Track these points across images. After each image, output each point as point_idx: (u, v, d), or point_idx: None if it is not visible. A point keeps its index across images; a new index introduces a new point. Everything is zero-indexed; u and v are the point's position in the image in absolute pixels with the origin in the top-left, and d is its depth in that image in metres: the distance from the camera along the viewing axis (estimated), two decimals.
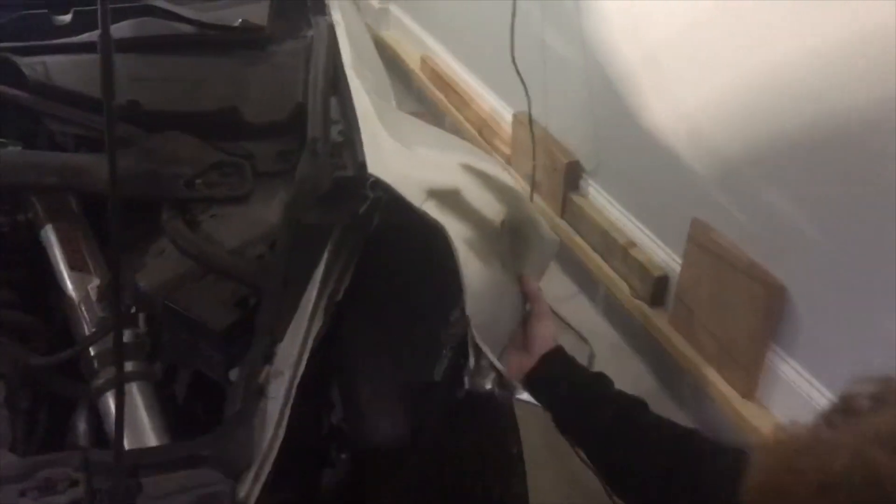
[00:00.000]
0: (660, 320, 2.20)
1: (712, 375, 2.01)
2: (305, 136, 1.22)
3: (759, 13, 1.76)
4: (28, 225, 1.17)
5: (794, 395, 1.82)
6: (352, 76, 1.38)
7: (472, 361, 1.08)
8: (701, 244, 2.02)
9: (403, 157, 1.20)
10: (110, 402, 1.04)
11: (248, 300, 1.08)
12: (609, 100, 2.35)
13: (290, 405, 1.03)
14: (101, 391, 1.04)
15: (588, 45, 2.41)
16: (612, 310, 2.43)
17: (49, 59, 1.39)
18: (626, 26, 2.25)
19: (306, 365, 1.07)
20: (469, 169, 1.24)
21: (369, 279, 1.29)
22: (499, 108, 3.08)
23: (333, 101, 1.35)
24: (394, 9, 4.15)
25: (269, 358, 1.03)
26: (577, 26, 2.43)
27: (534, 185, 2.68)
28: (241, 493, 0.90)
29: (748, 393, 1.91)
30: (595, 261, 2.45)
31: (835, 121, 1.62)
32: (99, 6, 0.72)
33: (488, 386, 1.17)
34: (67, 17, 1.54)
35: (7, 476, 0.84)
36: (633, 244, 2.33)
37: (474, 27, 3.17)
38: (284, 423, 1.02)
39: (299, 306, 1.08)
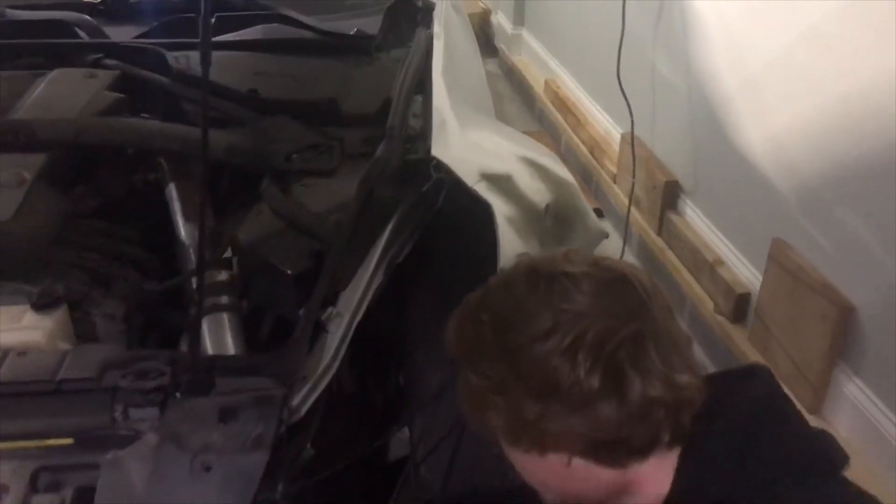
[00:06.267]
0: (739, 336, 2.25)
1: None
2: None
3: (846, 41, 1.82)
4: (156, 183, 1.43)
5: (858, 413, 1.84)
6: (438, 79, 1.57)
7: None
8: (780, 263, 2.07)
9: (466, 146, 1.38)
10: (204, 326, 1.26)
11: (322, 254, 1.29)
12: (709, 123, 2.43)
13: (347, 342, 1.22)
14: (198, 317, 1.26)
15: (693, 71, 2.50)
16: (696, 324, 2.49)
17: (191, 54, 1.67)
18: (730, 53, 2.33)
19: (371, 326, 1.26)
20: (527, 161, 1.41)
21: (433, 256, 1.48)
22: (610, 130, 3.21)
23: (419, 98, 1.55)
24: (525, 34, 4.35)
25: (331, 301, 1.23)
26: (684, 52, 2.54)
27: (631, 201, 2.78)
28: (295, 402, 1.10)
29: (815, 408, 1.94)
30: (684, 277, 2.52)
31: None
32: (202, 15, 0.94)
33: None
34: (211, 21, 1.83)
35: (114, 363, 1.07)
36: (720, 262, 2.39)
37: (592, 51, 3.31)
38: (341, 355, 1.21)
39: (363, 263, 1.28)
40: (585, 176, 3.36)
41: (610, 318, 0.79)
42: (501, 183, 1.31)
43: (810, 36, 1.94)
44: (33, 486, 0.98)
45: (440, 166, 1.29)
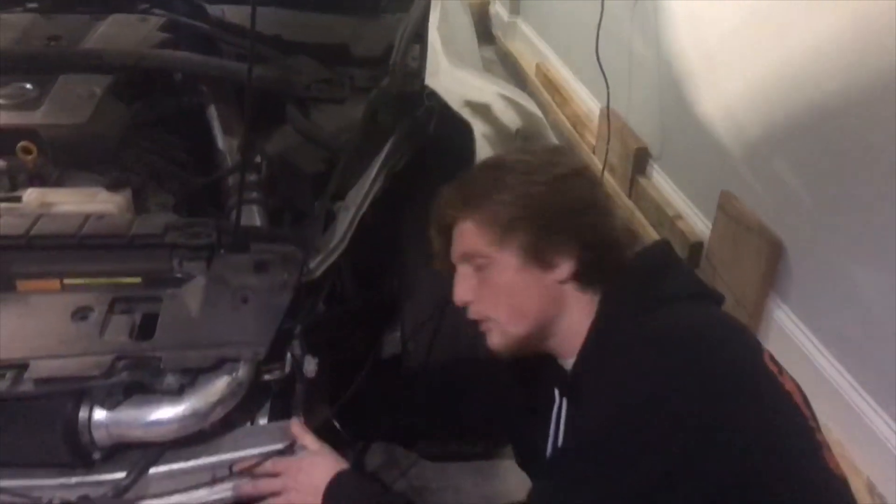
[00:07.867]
0: None
1: None
2: None
3: (781, 16, 2.13)
4: (199, 106, 1.74)
5: (784, 336, 2.16)
6: (433, 31, 1.88)
7: None
8: (726, 211, 2.38)
9: (453, 81, 1.69)
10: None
11: (334, 161, 1.59)
12: (675, 93, 2.75)
13: (352, 228, 1.53)
14: (232, 208, 1.57)
15: (662, 48, 2.82)
16: None
17: (226, 7, 1.98)
18: (693, 30, 2.65)
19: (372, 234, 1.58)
20: (503, 96, 1.72)
21: (423, 176, 1.79)
22: (591, 106, 3.52)
23: (417, 46, 1.86)
24: (520, 22, 4.67)
25: (341, 196, 1.54)
26: (656, 31, 2.85)
27: (605, 168, 3.10)
28: (311, 265, 1.40)
29: None
30: (649, 232, 2.84)
31: (829, 105, 1.97)
32: None
33: None
34: None
35: (173, 225, 1.37)
36: (679, 216, 2.70)
37: (577, 35, 3.62)
38: (347, 238, 1.51)
39: (367, 169, 1.59)
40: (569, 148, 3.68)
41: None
42: (481, 110, 1.62)
43: (753, 11, 2.25)
44: (111, 310, 1.29)
45: (432, 95, 1.60)
